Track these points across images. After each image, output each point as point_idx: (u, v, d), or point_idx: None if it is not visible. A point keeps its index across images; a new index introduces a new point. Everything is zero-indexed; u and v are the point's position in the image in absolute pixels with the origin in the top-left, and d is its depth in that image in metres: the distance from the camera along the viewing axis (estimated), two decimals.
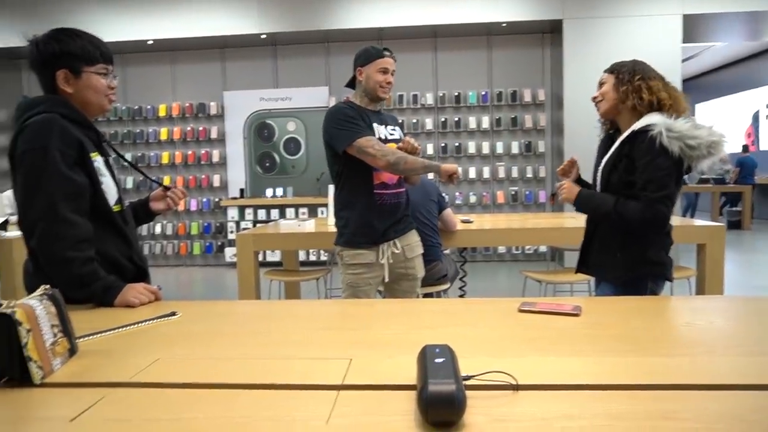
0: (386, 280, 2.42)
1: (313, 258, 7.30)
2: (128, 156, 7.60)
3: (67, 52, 1.53)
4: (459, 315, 1.43)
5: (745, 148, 10.77)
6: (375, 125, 2.36)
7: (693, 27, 6.88)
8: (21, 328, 0.95)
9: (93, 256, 1.50)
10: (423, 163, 2.33)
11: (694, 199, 10.53)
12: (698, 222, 3.56)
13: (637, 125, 1.82)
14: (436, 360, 0.86)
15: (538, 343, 1.15)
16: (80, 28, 1.59)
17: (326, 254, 7.11)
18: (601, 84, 1.96)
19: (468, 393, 0.79)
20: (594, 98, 1.97)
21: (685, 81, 8.18)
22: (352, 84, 2.45)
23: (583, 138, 6.48)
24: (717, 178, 10.26)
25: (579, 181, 2.09)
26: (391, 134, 2.42)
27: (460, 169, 2.37)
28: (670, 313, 1.46)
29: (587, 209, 1.97)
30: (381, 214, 2.36)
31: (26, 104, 1.53)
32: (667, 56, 6.14)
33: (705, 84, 12.99)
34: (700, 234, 3.27)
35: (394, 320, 1.38)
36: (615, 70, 1.92)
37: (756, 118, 11.93)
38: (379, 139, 2.34)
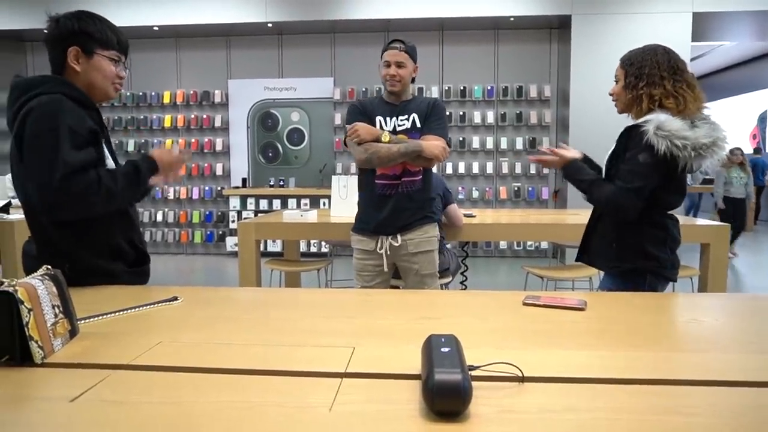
0: (385, 269, 2.45)
1: (314, 249, 7.29)
2: (131, 142, 7.58)
3: (85, 31, 1.53)
4: (463, 306, 1.42)
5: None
6: (379, 118, 2.39)
7: (702, 25, 6.83)
8: (23, 307, 0.94)
9: (103, 174, 1.47)
10: (399, 151, 2.28)
11: (697, 199, 10.49)
12: (702, 221, 3.54)
13: (638, 120, 1.83)
14: (442, 349, 0.85)
15: (543, 335, 1.15)
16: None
17: (327, 246, 7.11)
18: (616, 78, 1.93)
19: (473, 383, 0.78)
20: (610, 95, 1.95)
21: None
22: None
23: (588, 135, 6.50)
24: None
25: (586, 161, 2.07)
26: (401, 125, 2.40)
27: (445, 146, 2.33)
28: (675, 310, 1.45)
29: (572, 177, 1.98)
30: (379, 204, 2.40)
31: (24, 84, 1.48)
32: None
33: (711, 84, 12.91)
34: (703, 234, 3.25)
35: (398, 310, 1.37)
36: (625, 66, 1.88)
37: (762, 119, 11.87)
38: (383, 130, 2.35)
